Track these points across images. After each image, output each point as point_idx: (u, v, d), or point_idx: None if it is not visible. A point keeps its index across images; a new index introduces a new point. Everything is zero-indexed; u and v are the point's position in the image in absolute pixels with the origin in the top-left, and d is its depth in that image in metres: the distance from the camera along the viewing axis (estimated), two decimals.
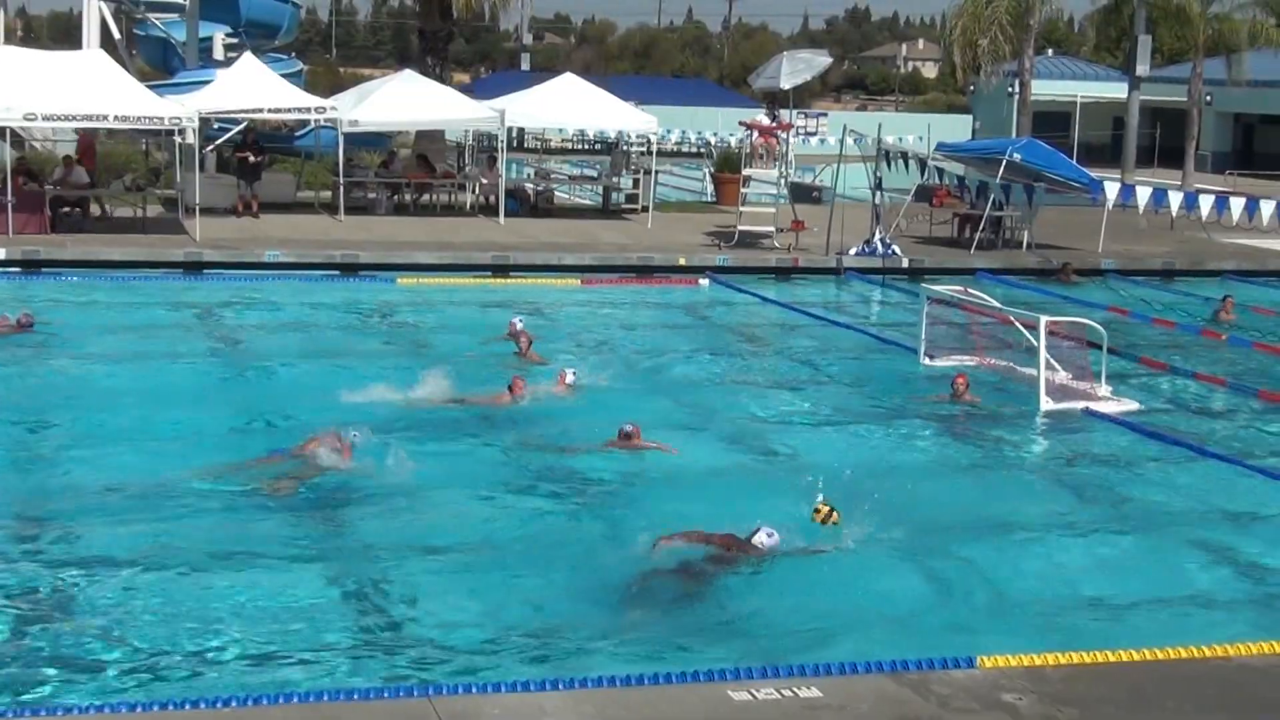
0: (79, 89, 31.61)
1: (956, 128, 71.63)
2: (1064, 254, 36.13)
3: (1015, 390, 22.17)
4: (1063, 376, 21.81)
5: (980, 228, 36.58)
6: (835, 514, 14.74)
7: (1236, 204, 36.88)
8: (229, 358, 22.88)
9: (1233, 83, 59.42)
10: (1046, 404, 21.09)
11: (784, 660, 11.58)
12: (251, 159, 36.44)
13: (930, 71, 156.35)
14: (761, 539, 13.97)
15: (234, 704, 10.08)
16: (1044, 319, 21.83)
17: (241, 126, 37.82)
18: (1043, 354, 21.39)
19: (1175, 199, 38.30)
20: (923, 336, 23.87)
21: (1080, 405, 21.24)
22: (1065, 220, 40.01)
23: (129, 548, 13.91)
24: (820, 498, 14.98)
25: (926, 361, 23.56)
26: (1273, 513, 16.80)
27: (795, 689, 10.40)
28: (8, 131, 31.72)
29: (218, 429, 18.44)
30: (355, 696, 10.29)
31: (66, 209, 32.79)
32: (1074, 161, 42.00)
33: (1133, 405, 21.45)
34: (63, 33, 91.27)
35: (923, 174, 38.89)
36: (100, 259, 29.91)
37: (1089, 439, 20.12)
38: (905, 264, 34.15)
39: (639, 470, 17.16)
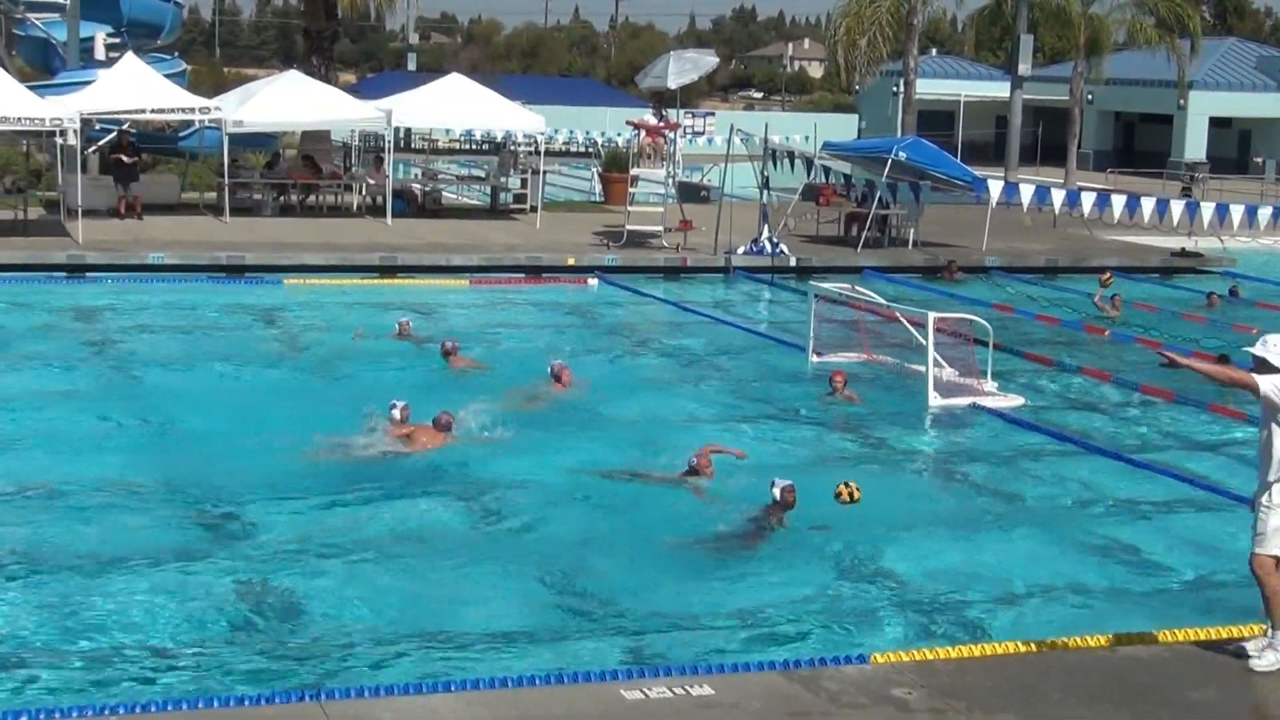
0: None
1: (842, 127, 72.11)
2: (949, 252, 36.47)
3: (903, 386, 22.35)
4: (950, 373, 22.02)
5: (867, 226, 36.82)
6: (858, 491, 15.15)
7: (1118, 201, 37.34)
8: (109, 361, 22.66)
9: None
10: (934, 400, 21.27)
11: (676, 659, 11.64)
12: (125, 160, 35.87)
13: (816, 71, 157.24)
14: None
15: (121, 710, 9.95)
16: (932, 316, 22.01)
17: (126, 125, 37.35)
18: (930, 351, 21.57)
19: (1058, 197, 38.73)
20: (811, 334, 23.99)
21: (967, 401, 21.44)
22: (950, 218, 40.37)
23: (17, 550, 13.75)
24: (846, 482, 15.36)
25: (815, 359, 23.69)
26: (1154, 505, 17.06)
27: (688, 687, 10.41)
28: None
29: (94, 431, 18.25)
30: (245, 702, 10.19)
31: None
32: (958, 160, 42.37)
33: (1018, 400, 21.71)
34: None
35: (809, 173, 39.11)
36: None
37: (976, 434, 20.33)
38: (793, 263, 34.30)
39: (535, 471, 17.11)
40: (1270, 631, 11.01)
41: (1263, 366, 10.89)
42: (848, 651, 11.66)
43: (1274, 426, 10.85)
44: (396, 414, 17.83)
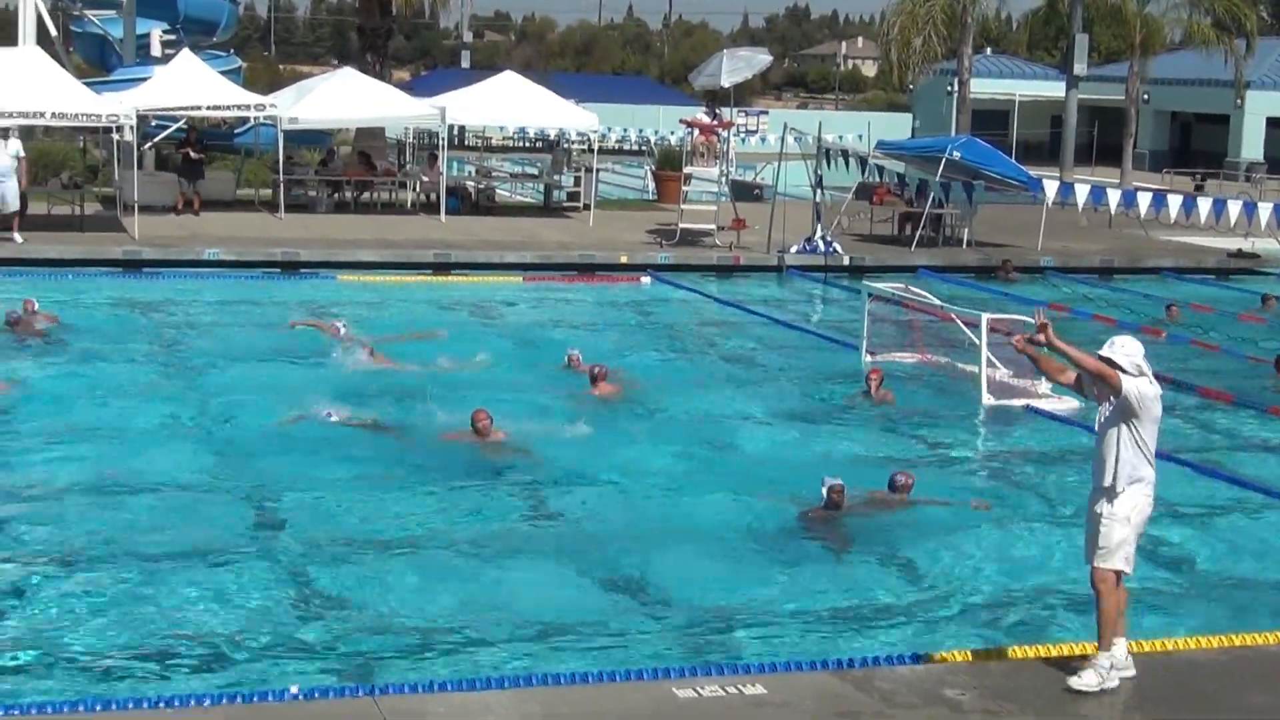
0: (15, 86, 31.30)
1: (896, 126, 71.91)
2: (1004, 251, 36.31)
3: (956, 387, 22.26)
4: (1003, 374, 21.91)
5: (921, 225, 36.72)
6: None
7: (1174, 201, 37.12)
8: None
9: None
10: (988, 400, 21.19)
11: (729, 657, 11.64)
12: (193, 155, 36.19)
13: (870, 70, 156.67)
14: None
15: (176, 704, 10.02)
16: (985, 316, 21.92)
17: (181, 123, 37.57)
18: (984, 351, 21.48)
19: (1114, 197, 38.54)
20: (864, 334, 23.93)
21: (1021, 402, 21.34)
22: (1004, 218, 40.20)
23: (78, 545, 13.87)
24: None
25: (868, 358, 23.62)
26: (1211, 509, 16.95)
27: (740, 686, 10.41)
28: None
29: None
30: (299, 697, 10.24)
31: None
32: (1012, 160, 42.20)
33: (1073, 403, 21.53)
34: None
35: (863, 172, 38.97)
36: (38, 257, 29.67)
37: (1029, 435, 20.23)
38: (846, 262, 34.24)
39: (586, 469, 17.13)
40: (1099, 650, 10.61)
41: (1112, 367, 10.52)
42: (900, 651, 11.63)
43: (1123, 429, 10.47)
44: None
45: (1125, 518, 10.46)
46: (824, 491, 15.21)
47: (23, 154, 31.01)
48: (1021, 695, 10.43)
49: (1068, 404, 21.38)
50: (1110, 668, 10.54)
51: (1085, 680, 10.50)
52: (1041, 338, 10.82)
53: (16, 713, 9.97)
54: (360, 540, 14.45)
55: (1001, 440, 20.13)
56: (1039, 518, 16.27)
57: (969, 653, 11.45)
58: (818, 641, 12.31)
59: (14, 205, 30.31)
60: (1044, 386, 21.71)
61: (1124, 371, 10.49)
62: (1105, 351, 10.66)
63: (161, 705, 10.02)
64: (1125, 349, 10.63)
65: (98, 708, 10.05)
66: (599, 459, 17.46)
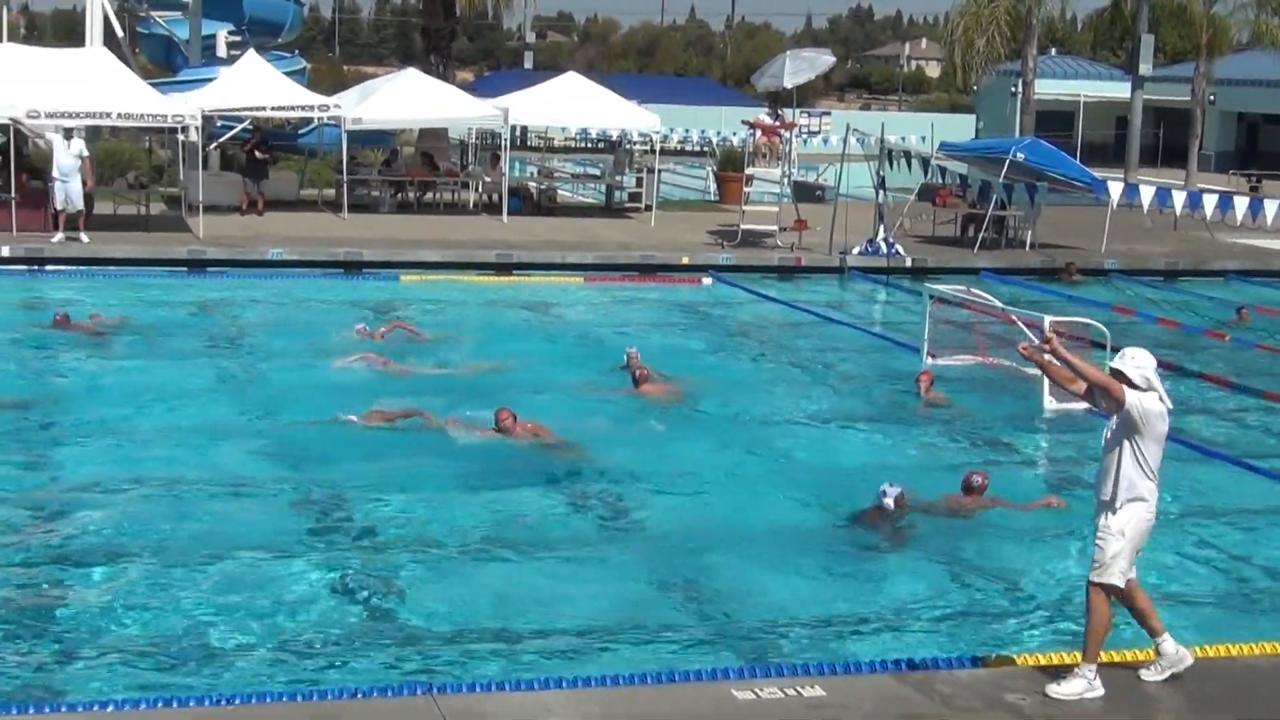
0: (82, 87, 31.62)
1: (960, 127, 71.48)
2: (1067, 254, 36.11)
3: (1018, 390, 22.14)
4: None
5: (984, 227, 36.55)
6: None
7: (1240, 203, 36.82)
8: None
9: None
10: (1050, 404, 21.06)
11: (788, 659, 11.61)
12: (259, 156, 36.44)
13: (934, 71, 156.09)
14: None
15: (237, 701, 10.09)
16: (1048, 319, 21.79)
17: (246, 123, 37.82)
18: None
19: (1179, 198, 38.26)
20: (926, 336, 23.85)
21: (1084, 405, 21.16)
22: (1068, 220, 39.97)
23: (141, 543, 13.98)
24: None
25: (929, 361, 23.53)
26: (1274, 509, 16.79)
27: (799, 688, 10.39)
28: (11, 129, 31.73)
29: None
30: (358, 694, 10.29)
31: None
32: (1077, 161, 41.96)
33: None
34: (66, 30, 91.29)
35: (926, 173, 38.83)
36: (103, 257, 29.93)
37: (1091, 438, 20.06)
38: (908, 263, 34.13)
39: (642, 470, 17.13)
40: (1082, 661, 10.50)
41: (1120, 380, 10.34)
42: (960, 654, 11.58)
43: (1125, 445, 10.31)
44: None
45: (1119, 532, 10.32)
46: (887, 502, 15.13)
47: (86, 154, 31.29)
48: (1082, 701, 10.36)
49: None
50: (1094, 679, 10.43)
51: (1066, 689, 10.40)
52: (1048, 349, 10.65)
53: (80, 710, 10.07)
54: (419, 540, 14.50)
55: (1063, 443, 19.99)
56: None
57: (1030, 656, 11.37)
58: (877, 644, 12.27)
59: (78, 205, 30.58)
60: None
61: (1133, 385, 10.32)
62: (1116, 363, 10.53)
63: (223, 702, 10.09)
64: (1136, 361, 10.47)
65: (159, 704, 10.11)
66: (654, 460, 17.46)
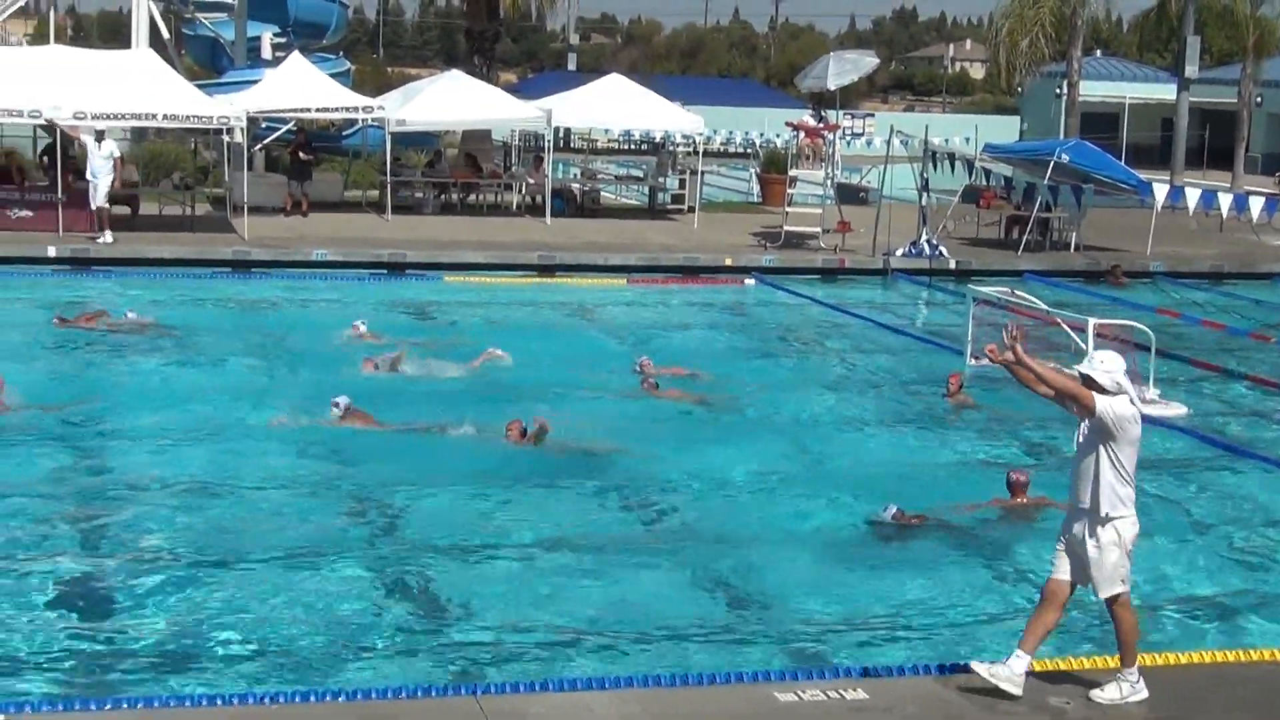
0: (128, 88, 31.81)
1: (1004, 129, 71.18)
2: (1112, 256, 35.95)
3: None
4: None
5: (1028, 229, 36.40)
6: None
7: None
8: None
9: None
10: (971, 363, 20.98)
11: (830, 662, 11.60)
12: (303, 157, 36.60)
13: (978, 72, 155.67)
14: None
15: (281, 700, 10.13)
16: (1092, 321, 21.72)
17: (291, 125, 37.97)
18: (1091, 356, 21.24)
19: (1225, 201, 38.04)
20: (969, 338, 23.78)
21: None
22: (1113, 222, 39.77)
23: (190, 544, 14.08)
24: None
25: (973, 363, 23.46)
26: None
27: (841, 690, 10.38)
28: (58, 129, 31.92)
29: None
30: (402, 694, 10.32)
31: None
32: (1122, 163, 41.77)
33: (1181, 409, 21.31)
34: (112, 32, 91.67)
35: (970, 175, 38.69)
36: (148, 257, 30.09)
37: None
38: (952, 265, 34.04)
39: (683, 472, 17.14)
40: (1123, 665, 10.46)
41: (1090, 386, 10.17)
42: (1005, 657, 11.51)
43: (1101, 451, 10.12)
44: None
45: (1113, 542, 10.20)
46: (887, 516, 15.13)
47: (117, 154, 31.49)
48: (1126, 705, 10.31)
49: (1175, 409, 21.15)
50: (1137, 681, 10.38)
51: (1110, 693, 10.36)
52: (1010, 354, 10.43)
53: (141, 705, 10.14)
54: (463, 542, 14.54)
55: None
56: (1147, 528, 16.08)
57: (1075, 660, 11.33)
58: (919, 647, 12.24)
59: (100, 202, 30.71)
60: (1151, 393, 21.47)
61: (1103, 390, 10.16)
62: (1083, 368, 10.38)
63: (267, 701, 10.14)
64: (1105, 365, 10.29)
65: (203, 702, 10.17)
66: (694, 462, 17.48)
